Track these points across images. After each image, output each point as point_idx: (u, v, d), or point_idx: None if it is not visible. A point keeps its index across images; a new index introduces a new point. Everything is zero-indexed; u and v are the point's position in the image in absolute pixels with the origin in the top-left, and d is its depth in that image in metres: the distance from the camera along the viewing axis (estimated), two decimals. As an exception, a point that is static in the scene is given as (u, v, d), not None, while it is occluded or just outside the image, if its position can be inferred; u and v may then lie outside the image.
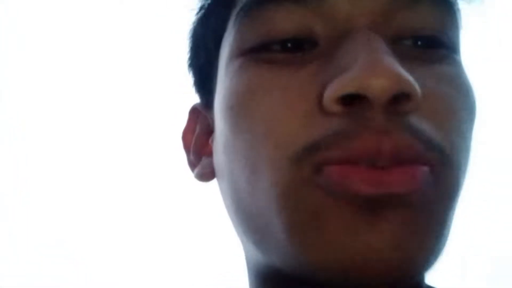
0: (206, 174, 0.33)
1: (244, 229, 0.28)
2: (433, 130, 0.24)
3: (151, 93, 1.06)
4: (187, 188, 1.02)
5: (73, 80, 1.07)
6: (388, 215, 0.23)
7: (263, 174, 0.25)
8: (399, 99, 0.23)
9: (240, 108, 0.27)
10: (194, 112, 0.36)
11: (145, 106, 1.07)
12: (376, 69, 0.22)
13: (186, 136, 0.36)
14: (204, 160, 0.34)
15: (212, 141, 0.32)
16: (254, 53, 0.27)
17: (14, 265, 1.01)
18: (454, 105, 0.26)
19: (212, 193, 0.99)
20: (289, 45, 0.26)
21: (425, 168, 0.23)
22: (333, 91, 0.23)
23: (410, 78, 0.23)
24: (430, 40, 0.27)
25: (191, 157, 0.35)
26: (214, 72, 0.31)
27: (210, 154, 0.33)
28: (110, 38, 1.07)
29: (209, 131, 0.33)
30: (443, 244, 0.25)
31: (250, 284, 0.32)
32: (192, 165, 0.35)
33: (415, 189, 0.23)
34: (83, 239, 1.03)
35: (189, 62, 0.36)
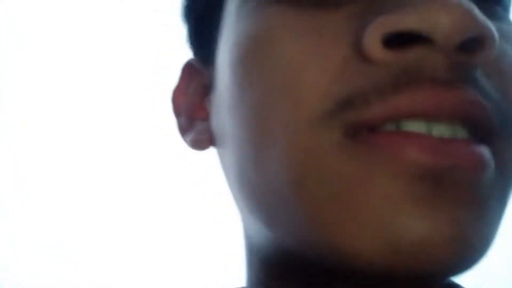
0: (202, 140, 0.28)
1: (250, 206, 0.23)
2: (500, 95, 0.19)
3: (149, 93, 1.06)
4: (187, 187, 1.02)
5: (71, 79, 1.07)
6: (450, 194, 0.18)
7: (278, 138, 0.20)
8: (467, 47, 0.18)
9: (255, 56, 0.22)
10: (188, 69, 0.31)
11: (143, 106, 1.07)
12: (447, 3, 0.17)
13: (177, 97, 0.31)
14: (199, 125, 0.29)
15: (210, 103, 0.28)
16: None
17: (14, 265, 1.01)
18: None
19: (212, 192, 0.99)
20: None
21: (488, 149, 0.19)
22: (379, 27, 0.18)
23: (487, 20, 0.18)
24: None
25: (182, 121, 0.30)
26: (217, 19, 0.26)
27: (205, 117, 0.28)
28: (108, 35, 1.07)
29: (205, 91, 0.28)
30: (494, 238, 0.20)
31: (250, 271, 0.28)
32: (184, 130, 0.30)
33: (483, 165, 0.18)
34: (83, 239, 1.03)
35: (185, 11, 0.31)
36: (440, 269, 0.18)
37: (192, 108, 0.30)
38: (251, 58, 0.22)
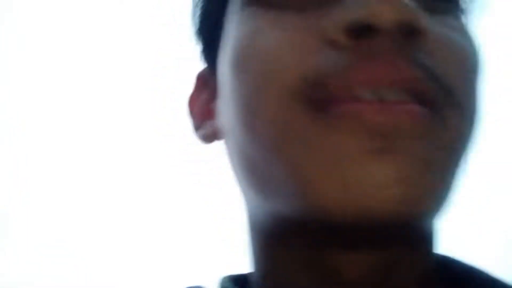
0: (209, 135, 0.34)
1: (247, 180, 0.28)
2: (441, 70, 0.24)
3: (147, 93, 1.06)
4: (186, 187, 1.02)
5: (66, 80, 1.07)
6: (396, 147, 0.22)
7: (262, 113, 0.25)
8: (408, 35, 0.23)
9: (243, 51, 0.27)
10: (200, 78, 0.37)
11: (141, 106, 1.07)
12: (388, 1, 0.22)
13: (192, 102, 0.37)
14: (208, 122, 0.34)
15: (215, 106, 0.33)
16: (266, 2, 0.27)
17: (13, 265, 1.02)
18: (463, 52, 0.26)
19: (208, 196, 0.98)
20: None
21: (433, 108, 0.23)
22: (340, 18, 0.23)
23: (420, 12, 0.23)
24: None
25: (196, 121, 0.36)
26: (220, 32, 0.31)
27: (212, 118, 0.33)
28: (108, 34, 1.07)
29: (213, 96, 0.33)
30: (449, 192, 0.24)
31: (252, 244, 0.31)
32: (197, 129, 0.36)
33: (423, 121, 0.22)
34: (83, 239, 1.04)
35: (198, 28, 0.36)
36: (394, 210, 0.22)
37: (204, 110, 0.35)
38: (240, 53, 0.27)
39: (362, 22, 0.22)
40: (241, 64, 0.27)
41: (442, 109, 0.23)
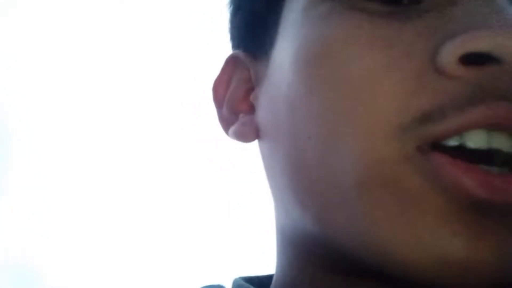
0: (246, 133, 0.29)
1: (301, 200, 0.25)
2: None
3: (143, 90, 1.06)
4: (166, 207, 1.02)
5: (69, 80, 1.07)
6: (497, 225, 0.20)
7: (348, 143, 0.22)
8: None
9: (324, 58, 0.23)
10: (233, 61, 0.32)
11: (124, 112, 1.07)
12: None
13: (219, 87, 0.31)
14: (244, 117, 0.30)
15: (256, 96, 0.29)
16: None
17: None
18: None
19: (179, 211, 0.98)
20: None
21: None
22: (458, 47, 0.20)
23: None
24: None
25: (224, 112, 0.31)
26: (276, 19, 0.27)
27: (249, 110, 0.30)
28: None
29: (250, 85, 0.30)
30: None
31: (281, 252, 0.29)
32: (225, 121, 0.31)
33: None
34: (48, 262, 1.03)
35: (237, 2, 0.32)
36: (480, 284, 0.20)
37: (236, 100, 0.31)
38: (320, 59, 0.23)
39: (485, 51, 0.20)
40: (320, 74, 0.23)
41: None
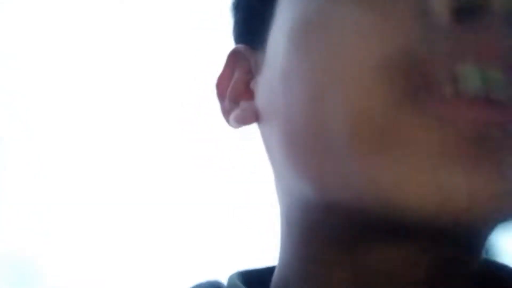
0: (246, 116, 0.30)
1: (298, 166, 0.25)
2: None
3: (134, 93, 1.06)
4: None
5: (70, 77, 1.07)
6: (495, 155, 0.20)
7: (337, 98, 0.22)
8: None
9: (316, 27, 0.24)
10: (234, 56, 0.33)
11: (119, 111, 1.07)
12: None
13: (222, 82, 0.33)
14: (244, 103, 0.31)
15: (256, 83, 0.30)
16: None
17: None
18: None
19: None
20: None
21: None
22: None
23: None
24: None
25: (226, 104, 0.32)
26: (270, 8, 0.28)
27: (249, 97, 0.30)
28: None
29: (250, 74, 0.31)
30: None
31: (288, 243, 0.29)
32: (227, 112, 0.32)
33: None
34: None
35: (236, 2, 0.33)
36: (482, 218, 0.20)
37: (237, 90, 0.32)
38: (312, 28, 0.24)
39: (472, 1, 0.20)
40: (311, 39, 0.24)
41: None
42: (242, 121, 0.31)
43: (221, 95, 0.33)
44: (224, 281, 0.33)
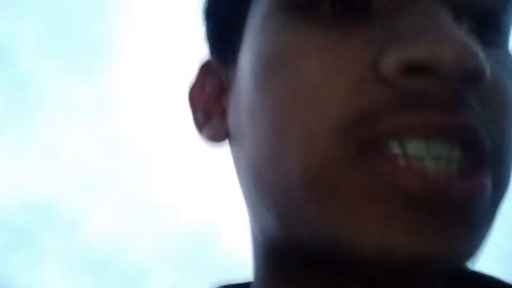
0: (217, 135, 0.31)
1: (263, 201, 0.26)
2: (491, 119, 0.22)
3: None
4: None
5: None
6: (442, 220, 0.21)
7: (295, 143, 0.23)
8: (467, 81, 0.21)
9: (277, 68, 0.25)
10: (205, 68, 0.33)
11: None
12: (451, 40, 0.21)
13: (194, 93, 0.33)
14: (215, 121, 0.31)
15: (227, 101, 0.30)
16: (299, 10, 0.25)
17: None
18: (510, 97, 0.24)
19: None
20: (338, 4, 0.24)
21: (488, 174, 0.22)
22: (398, 56, 0.21)
23: (483, 55, 0.21)
24: (489, 22, 0.25)
25: (199, 116, 0.32)
26: (241, 24, 0.28)
27: (221, 114, 0.31)
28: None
29: (221, 89, 0.31)
30: (484, 240, 0.23)
31: (257, 264, 0.30)
32: (199, 125, 0.32)
33: (476, 201, 0.21)
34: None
35: (207, 10, 0.33)
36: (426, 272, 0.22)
37: (209, 104, 0.32)
38: (274, 68, 0.25)
39: (421, 61, 0.21)
40: (273, 80, 0.25)
41: (489, 164, 0.22)
42: (214, 139, 0.31)
43: (193, 106, 0.33)
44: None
